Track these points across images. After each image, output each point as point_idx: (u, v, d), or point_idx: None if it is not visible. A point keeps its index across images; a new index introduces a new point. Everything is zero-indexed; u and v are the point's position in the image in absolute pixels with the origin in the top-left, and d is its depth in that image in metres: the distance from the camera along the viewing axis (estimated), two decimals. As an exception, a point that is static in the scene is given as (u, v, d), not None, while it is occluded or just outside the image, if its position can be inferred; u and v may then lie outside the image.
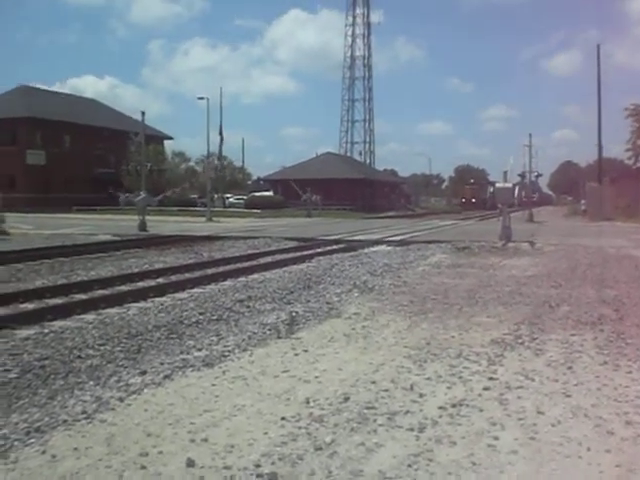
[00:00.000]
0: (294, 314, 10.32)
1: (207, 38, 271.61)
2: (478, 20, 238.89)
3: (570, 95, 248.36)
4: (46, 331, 9.50)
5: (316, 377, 6.93)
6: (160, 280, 15.41)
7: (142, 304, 12.05)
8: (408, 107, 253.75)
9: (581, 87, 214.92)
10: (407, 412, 5.75)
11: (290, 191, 75.36)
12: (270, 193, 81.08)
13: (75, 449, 4.97)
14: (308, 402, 6.05)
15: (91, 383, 6.96)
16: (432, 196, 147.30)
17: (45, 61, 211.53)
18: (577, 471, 4.58)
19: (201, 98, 67.43)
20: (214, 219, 45.51)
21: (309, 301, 12.00)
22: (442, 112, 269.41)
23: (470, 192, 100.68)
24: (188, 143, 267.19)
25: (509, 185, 25.83)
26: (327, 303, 11.67)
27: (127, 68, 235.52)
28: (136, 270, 17.22)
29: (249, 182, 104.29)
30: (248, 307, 11.53)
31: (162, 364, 7.65)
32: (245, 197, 78.04)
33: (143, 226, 32.48)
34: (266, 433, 5.25)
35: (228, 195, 79.05)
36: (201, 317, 10.59)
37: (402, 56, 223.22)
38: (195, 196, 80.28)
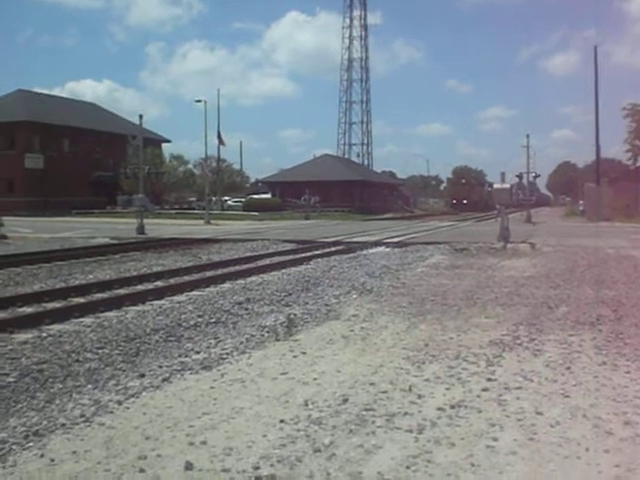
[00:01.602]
0: (292, 316, 10.32)
1: (206, 41, 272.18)
2: (476, 21, 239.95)
3: (569, 95, 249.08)
4: (44, 335, 9.51)
5: (314, 379, 6.92)
6: (158, 283, 15.41)
7: (140, 307, 12.05)
8: (406, 108, 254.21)
9: (580, 87, 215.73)
10: (406, 413, 5.74)
11: (288, 193, 75.36)
12: (268, 195, 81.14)
13: (74, 452, 4.96)
14: (307, 404, 6.04)
15: (89, 386, 6.97)
16: (431, 197, 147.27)
17: (44, 65, 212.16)
18: (576, 471, 4.57)
19: (199, 101, 67.68)
20: (212, 222, 45.50)
21: (307, 303, 12.01)
22: (440, 113, 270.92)
23: (461, 193, 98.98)
24: (186, 146, 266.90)
25: (507, 186, 25.89)
26: (325, 305, 11.67)
27: (126, 71, 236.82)
28: (134, 273, 17.22)
29: (247, 185, 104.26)
30: (246, 310, 11.54)
31: (160, 367, 7.65)
32: (243, 200, 78.08)
33: (141, 229, 32.49)
34: (265, 435, 5.24)
35: (226, 198, 79.07)
36: (199, 320, 10.60)
37: (400, 57, 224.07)
38: (193, 199, 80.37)
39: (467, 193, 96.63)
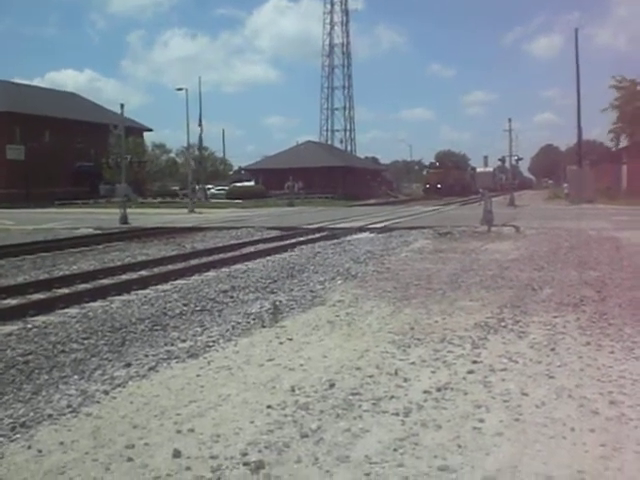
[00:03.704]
0: (278, 303, 10.32)
1: (187, 28, 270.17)
2: (459, 4, 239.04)
3: (551, 78, 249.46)
4: (29, 326, 9.47)
5: (301, 365, 6.94)
6: (143, 272, 15.37)
7: (125, 297, 12.02)
8: (390, 94, 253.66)
9: (562, 70, 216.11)
10: (392, 397, 5.77)
11: (271, 180, 75.19)
12: (252, 183, 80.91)
13: (61, 443, 4.96)
14: (293, 390, 6.06)
15: (76, 377, 6.94)
16: (414, 182, 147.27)
17: (24, 55, 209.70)
18: (562, 451, 4.61)
19: (180, 89, 67.03)
20: (196, 210, 45.30)
21: (292, 290, 12.00)
22: (424, 98, 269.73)
23: (435, 177, 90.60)
24: (169, 135, 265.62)
25: (490, 169, 25.98)
26: (311, 291, 11.68)
27: (107, 60, 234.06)
28: (118, 263, 17.15)
29: (230, 172, 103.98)
30: (232, 297, 11.52)
31: (146, 356, 7.64)
32: (227, 188, 77.88)
33: (124, 219, 32.33)
34: (252, 422, 5.26)
35: (209, 186, 78.86)
36: (185, 308, 10.58)
37: (383, 43, 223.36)
38: (176, 188, 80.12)
39: (442, 177, 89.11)
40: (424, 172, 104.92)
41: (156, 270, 15.72)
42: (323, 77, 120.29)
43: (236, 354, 7.52)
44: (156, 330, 9.17)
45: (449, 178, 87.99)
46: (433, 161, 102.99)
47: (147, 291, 12.62)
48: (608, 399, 5.60)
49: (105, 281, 14.08)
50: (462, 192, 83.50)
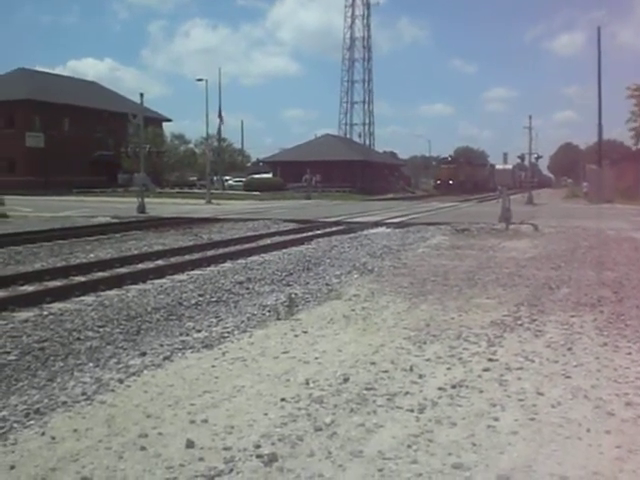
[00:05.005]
0: (293, 296, 10.31)
1: (208, 19, 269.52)
2: (481, 0, 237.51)
3: (572, 76, 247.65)
4: (45, 313, 9.50)
5: (316, 358, 6.92)
6: (159, 262, 15.38)
7: (141, 286, 12.04)
8: (410, 89, 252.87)
9: (583, 68, 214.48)
10: (407, 393, 5.75)
11: (289, 173, 75.15)
12: (269, 175, 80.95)
13: (75, 431, 4.97)
14: (308, 383, 6.04)
15: (90, 365, 6.96)
16: (432, 178, 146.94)
17: (45, 43, 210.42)
18: (577, 452, 4.57)
19: (200, 80, 67.40)
20: (213, 201, 45.37)
21: (308, 283, 12.00)
22: (444, 94, 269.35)
23: (447, 172, 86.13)
24: (188, 125, 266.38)
25: (509, 167, 25.85)
26: (326, 285, 11.67)
27: (127, 50, 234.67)
28: (135, 252, 17.20)
29: (248, 164, 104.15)
30: (247, 289, 11.53)
31: (161, 345, 7.65)
32: (244, 179, 77.99)
33: (142, 208, 32.45)
34: (266, 414, 5.25)
35: (227, 177, 78.98)
36: (200, 299, 10.60)
37: (404, 37, 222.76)
38: (194, 178, 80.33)
39: (454, 172, 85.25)
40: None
41: (172, 260, 15.74)
42: (343, 70, 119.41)
43: (251, 346, 7.51)
44: (171, 320, 9.20)
45: (461, 174, 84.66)
46: (445, 156, 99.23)
47: (163, 280, 12.64)
48: (624, 400, 5.56)
49: (121, 270, 14.11)
50: (475, 189, 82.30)
